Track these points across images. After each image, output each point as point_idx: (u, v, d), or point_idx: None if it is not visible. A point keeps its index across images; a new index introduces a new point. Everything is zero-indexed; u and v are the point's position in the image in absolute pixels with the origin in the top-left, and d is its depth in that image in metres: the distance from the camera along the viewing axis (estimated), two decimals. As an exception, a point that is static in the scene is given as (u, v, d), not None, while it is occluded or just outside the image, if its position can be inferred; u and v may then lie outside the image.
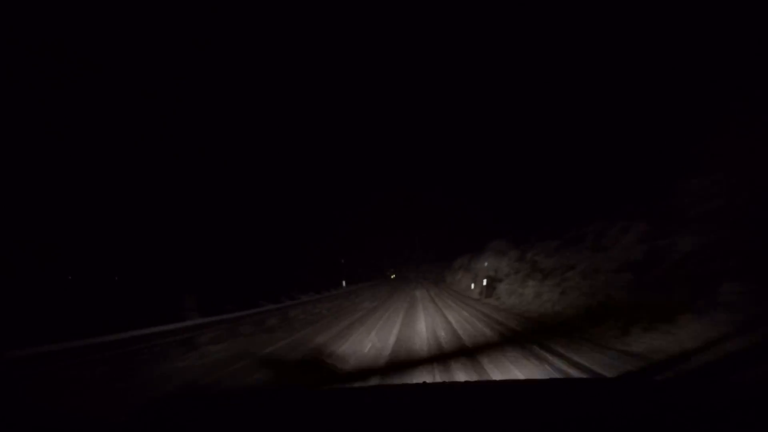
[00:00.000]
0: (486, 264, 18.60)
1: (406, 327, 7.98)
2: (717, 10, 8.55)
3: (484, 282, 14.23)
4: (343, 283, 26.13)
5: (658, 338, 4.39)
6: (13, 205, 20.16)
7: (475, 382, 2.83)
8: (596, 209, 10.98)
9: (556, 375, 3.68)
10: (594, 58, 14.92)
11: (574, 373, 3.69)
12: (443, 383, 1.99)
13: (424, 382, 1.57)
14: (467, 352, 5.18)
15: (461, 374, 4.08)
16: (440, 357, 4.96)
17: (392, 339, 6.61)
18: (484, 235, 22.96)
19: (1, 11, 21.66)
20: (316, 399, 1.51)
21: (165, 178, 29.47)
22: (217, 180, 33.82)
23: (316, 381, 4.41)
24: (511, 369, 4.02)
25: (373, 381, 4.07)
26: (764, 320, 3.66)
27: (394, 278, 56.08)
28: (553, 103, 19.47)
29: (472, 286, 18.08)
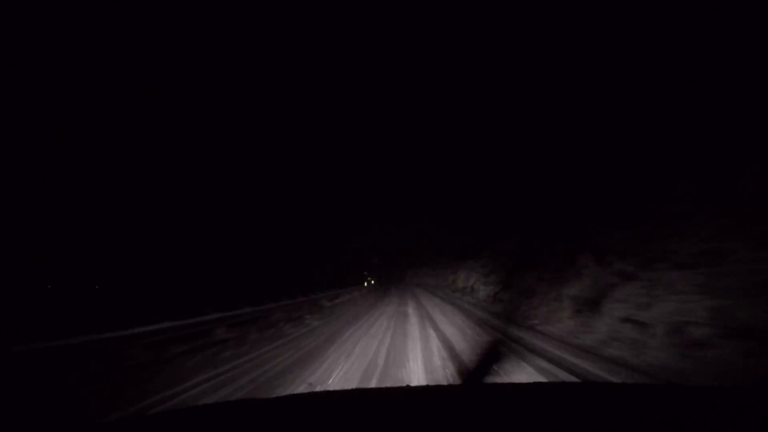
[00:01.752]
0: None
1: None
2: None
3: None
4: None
5: None
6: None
7: (462, 384, 2.56)
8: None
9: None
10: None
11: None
12: (428, 386, 1.68)
13: (408, 386, 1.40)
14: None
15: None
16: None
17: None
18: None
19: (0, 11, 21.36)
20: (284, 407, 1.24)
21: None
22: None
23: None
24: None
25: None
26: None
27: (369, 286, 36.53)
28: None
29: None
